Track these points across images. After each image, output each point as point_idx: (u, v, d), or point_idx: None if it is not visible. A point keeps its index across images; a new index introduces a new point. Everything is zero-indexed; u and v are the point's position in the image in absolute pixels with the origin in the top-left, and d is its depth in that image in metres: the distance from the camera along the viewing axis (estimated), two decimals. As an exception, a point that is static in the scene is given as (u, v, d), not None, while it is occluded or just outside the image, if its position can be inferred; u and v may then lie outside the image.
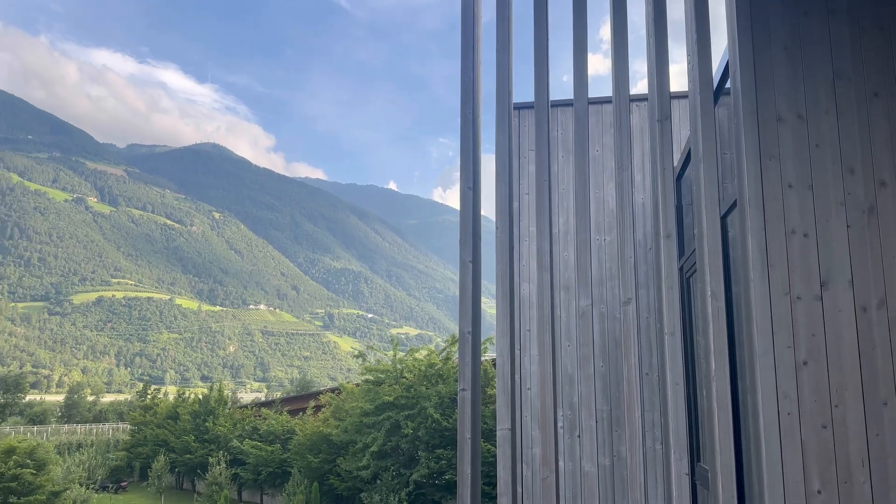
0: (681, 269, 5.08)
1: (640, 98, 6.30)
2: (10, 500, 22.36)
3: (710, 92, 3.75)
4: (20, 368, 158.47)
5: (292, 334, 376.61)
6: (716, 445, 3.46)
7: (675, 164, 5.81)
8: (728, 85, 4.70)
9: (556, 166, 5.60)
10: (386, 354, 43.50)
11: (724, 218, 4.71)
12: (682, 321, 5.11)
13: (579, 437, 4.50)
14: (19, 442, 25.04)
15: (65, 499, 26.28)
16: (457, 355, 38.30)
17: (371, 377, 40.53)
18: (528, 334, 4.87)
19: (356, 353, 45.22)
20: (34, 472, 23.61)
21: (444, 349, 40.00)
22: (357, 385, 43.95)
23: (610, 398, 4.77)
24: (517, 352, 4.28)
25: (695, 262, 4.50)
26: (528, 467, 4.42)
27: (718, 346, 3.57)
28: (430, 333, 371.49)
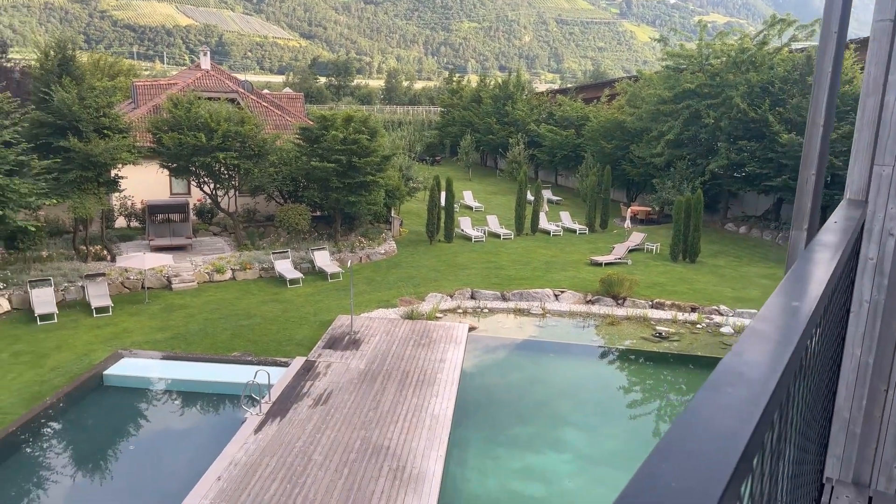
0: None
1: None
2: (353, 160, 26.92)
3: None
4: (347, 55, 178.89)
5: (587, 23, 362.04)
6: None
7: None
8: None
9: None
10: (690, 39, 39.98)
11: None
12: None
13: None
14: (355, 112, 29.20)
15: (392, 164, 30.90)
16: (774, 40, 33.73)
17: (671, 63, 38.13)
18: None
19: (657, 37, 42.29)
20: (369, 138, 27.71)
21: (760, 31, 35.35)
22: (656, 72, 41.93)
23: None
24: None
25: None
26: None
27: None
28: (742, 21, 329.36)
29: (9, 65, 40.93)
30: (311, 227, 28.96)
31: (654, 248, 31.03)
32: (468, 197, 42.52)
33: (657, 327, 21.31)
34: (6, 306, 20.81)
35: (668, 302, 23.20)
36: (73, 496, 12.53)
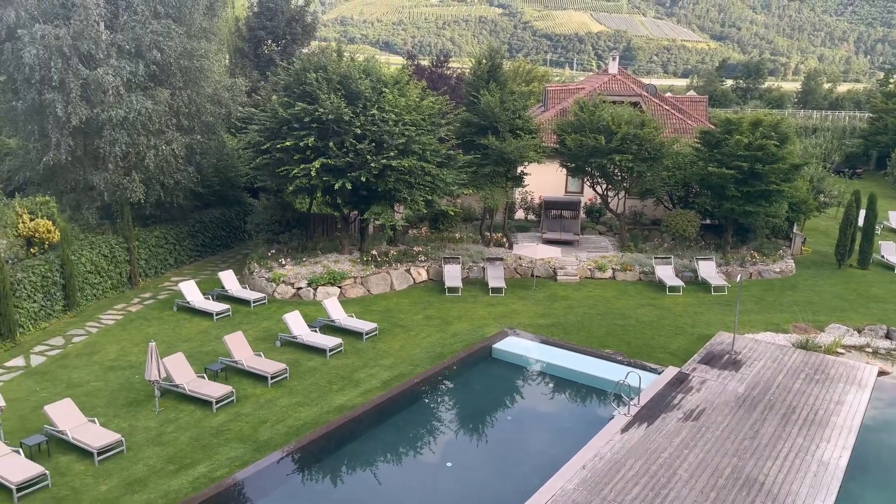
0: None
1: None
2: (756, 167, 24.91)
3: None
4: (759, 56, 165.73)
5: None
6: None
7: None
8: None
9: None
10: None
11: None
12: None
13: None
14: (765, 116, 26.92)
15: (803, 174, 27.69)
16: None
17: None
18: None
19: None
20: (777, 144, 25.31)
21: None
22: None
23: None
24: None
25: None
26: None
27: None
28: None
29: (448, 72, 47.84)
30: (699, 235, 27.76)
31: None
32: (894, 218, 35.91)
33: None
34: (424, 276, 24.61)
35: None
36: (455, 446, 14.30)
